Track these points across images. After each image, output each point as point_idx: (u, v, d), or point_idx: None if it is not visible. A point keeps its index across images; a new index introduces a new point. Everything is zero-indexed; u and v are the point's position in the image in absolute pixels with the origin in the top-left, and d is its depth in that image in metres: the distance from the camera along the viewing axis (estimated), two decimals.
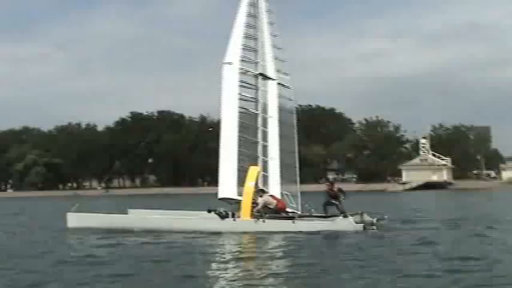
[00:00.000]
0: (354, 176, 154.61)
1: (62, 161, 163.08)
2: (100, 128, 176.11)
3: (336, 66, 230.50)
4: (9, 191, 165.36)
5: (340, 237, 21.79)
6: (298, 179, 27.43)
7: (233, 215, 24.71)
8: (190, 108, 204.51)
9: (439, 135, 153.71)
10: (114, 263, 16.15)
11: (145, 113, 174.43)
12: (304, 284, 12.64)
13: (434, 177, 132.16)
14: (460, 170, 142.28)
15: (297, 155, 27.82)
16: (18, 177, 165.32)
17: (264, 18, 27.52)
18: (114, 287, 12.70)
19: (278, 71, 27.72)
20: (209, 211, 25.21)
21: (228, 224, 24.33)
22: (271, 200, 25.04)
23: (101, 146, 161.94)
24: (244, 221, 24.38)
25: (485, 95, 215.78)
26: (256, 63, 27.18)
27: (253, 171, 25.70)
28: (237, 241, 21.78)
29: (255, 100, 27.01)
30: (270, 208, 24.72)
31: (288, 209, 25.79)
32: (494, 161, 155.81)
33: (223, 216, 24.69)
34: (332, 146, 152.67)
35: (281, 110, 27.64)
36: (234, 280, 13.28)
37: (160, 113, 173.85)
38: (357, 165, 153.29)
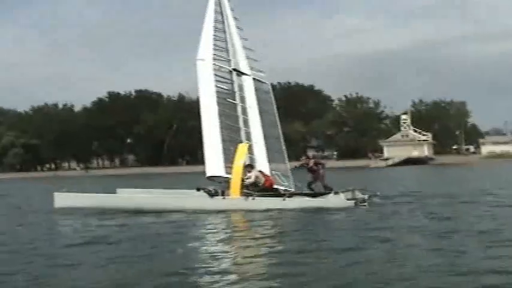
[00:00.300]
0: (334, 153, 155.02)
1: (40, 142, 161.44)
2: (77, 109, 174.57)
3: (314, 43, 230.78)
4: None
5: (331, 214, 21.41)
6: (286, 158, 27.25)
7: (223, 193, 24.35)
8: (167, 87, 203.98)
9: (419, 111, 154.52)
10: (120, 243, 15.84)
11: (123, 93, 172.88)
12: (292, 263, 12.12)
13: (416, 153, 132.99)
14: (440, 146, 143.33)
15: (281, 135, 27.70)
16: None
17: (230, 16, 27.44)
18: (138, 267, 12.18)
19: (252, 68, 27.64)
20: (198, 189, 24.87)
21: (217, 202, 24.00)
22: (261, 176, 24.70)
23: (78, 126, 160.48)
24: (234, 198, 24.06)
25: (461, 70, 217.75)
26: (229, 60, 26.97)
27: (242, 149, 25.32)
28: (226, 219, 21.41)
29: (232, 92, 26.71)
30: (257, 185, 24.38)
31: (280, 187, 25.53)
32: (473, 136, 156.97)
33: (212, 195, 24.34)
34: (312, 124, 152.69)
35: (259, 100, 27.45)
36: (223, 259, 12.90)
37: (138, 92, 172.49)
38: (337, 142, 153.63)
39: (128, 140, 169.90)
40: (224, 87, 26.65)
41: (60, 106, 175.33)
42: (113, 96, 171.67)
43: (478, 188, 31.71)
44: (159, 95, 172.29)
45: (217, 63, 26.65)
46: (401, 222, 18.38)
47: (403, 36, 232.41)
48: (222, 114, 25.92)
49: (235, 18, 27.75)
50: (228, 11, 27.50)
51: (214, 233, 17.66)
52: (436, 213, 20.10)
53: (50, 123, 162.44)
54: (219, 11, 27.30)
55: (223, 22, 27.24)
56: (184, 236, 16.77)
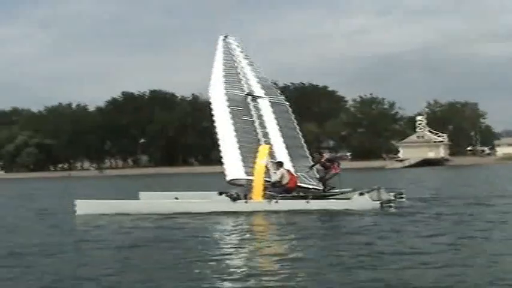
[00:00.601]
0: (348, 153, 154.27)
1: (54, 141, 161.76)
2: (91, 108, 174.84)
3: (322, 43, 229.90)
4: (0, 172, 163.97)
5: (357, 218, 20.72)
6: (309, 158, 26.78)
7: (245, 197, 23.88)
8: (180, 86, 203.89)
9: (434, 112, 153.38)
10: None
11: (137, 93, 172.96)
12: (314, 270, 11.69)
13: (432, 154, 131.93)
14: (455, 147, 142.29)
15: (304, 145, 27.47)
16: (9, 158, 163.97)
17: (240, 56, 27.60)
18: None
19: (268, 93, 27.60)
20: (220, 193, 24.38)
21: (240, 206, 23.54)
22: (286, 175, 24.25)
23: (92, 126, 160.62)
24: (257, 202, 23.59)
25: (471, 71, 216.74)
26: (242, 88, 26.74)
27: (264, 150, 24.86)
28: (248, 223, 20.93)
29: (248, 112, 26.40)
30: (282, 184, 23.96)
31: (309, 186, 25.05)
32: (487, 137, 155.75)
33: (234, 199, 23.89)
34: (325, 124, 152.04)
35: (278, 118, 27.18)
36: (242, 264, 12.59)
37: (152, 92, 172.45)
38: (351, 142, 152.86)
39: (141, 140, 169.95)
40: (240, 109, 26.30)
41: (74, 106, 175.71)
42: (127, 96, 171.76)
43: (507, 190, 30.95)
44: (173, 95, 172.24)
45: (229, 91, 26.30)
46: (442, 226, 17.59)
47: (412, 36, 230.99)
48: (238, 130, 25.57)
49: (246, 56, 27.81)
50: (237, 53, 27.55)
51: (234, 237, 17.22)
52: (475, 216, 19.52)
53: (63, 123, 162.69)
54: (229, 52, 27.37)
55: (233, 60, 27.23)
56: (205, 241, 16.39)
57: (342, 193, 24.02)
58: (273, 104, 27.65)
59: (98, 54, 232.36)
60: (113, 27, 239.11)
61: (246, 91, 26.75)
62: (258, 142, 25.47)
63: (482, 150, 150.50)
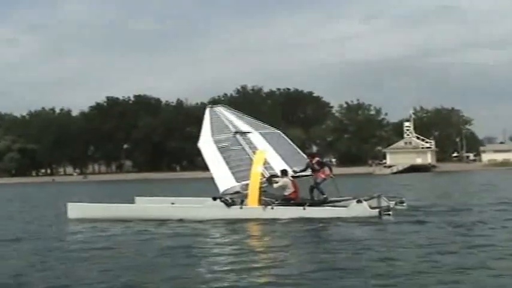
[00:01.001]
0: (333, 159, 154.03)
1: (37, 146, 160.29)
2: (74, 113, 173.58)
3: (309, 49, 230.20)
4: None
5: (353, 226, 19.99)
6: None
7: (242, 202, 23.25)
8: (164, 92, 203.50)
9: (421, 118, 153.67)
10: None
11: (121, 98, 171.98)
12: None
13: (419, 160, 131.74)
14: (441, 153, 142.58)
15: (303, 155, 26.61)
16: None
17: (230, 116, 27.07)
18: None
19: (256, 128, 27.07)
20: (214, 198, 23.76)
21: (234, 212, 22.91)
22: (289, 184, 23.54)
23: (76, 131, 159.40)
24: (252, 208, 22.96)
25: (454, 79, 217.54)
26: (230, 129, 26.07)
27: (261, 155, 24.23)
28: (242, 230, 20.31)
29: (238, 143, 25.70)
30: (284, 194, 23.28)
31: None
32: (471, 143, 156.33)
33: (229, 204, 23.27)
34: (311, 130, 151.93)
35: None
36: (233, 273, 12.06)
37: (137, 97, 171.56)
38: (337, 148, 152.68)
39: (125, 145, 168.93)
40: (228, 143, 25.61)
41: (58, 110, 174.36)
42: (111, 101, 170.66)
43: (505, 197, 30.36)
44: (158, 100, 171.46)
45: (216, 136, 25.55)
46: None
47: (397, 43, 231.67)
48: (227, 154, 24.86)
49: (232, 114, 27.27)
50: (224, 113, 26.92)
51: (224, 244, 16.58)
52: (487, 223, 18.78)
53: (47, 127, 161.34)
54: (216, 115, 26.65)
55: (219, 117, 26.55)
56: (196, 247, 15.86)
57: (341, 201, 23.40)
58: (265, 134, 26.92)
59: (81, 60, 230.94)
60: (97, 32, 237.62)
61: (233, 131, 26.10)
62: (250, 159, 24.69)
63: (468, 157, 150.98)
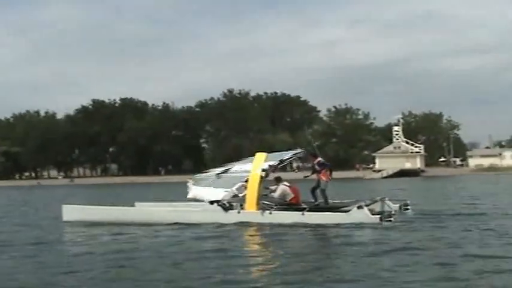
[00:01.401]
0: None
1: (21, 149, 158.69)
2: (60, 116, 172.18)
3: (294, 55, 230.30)
4: None
5: (354, 232, 19.37)
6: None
7: (241, 206, 22.65)
8: (149, 95, 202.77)
9: (409, 123, 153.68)
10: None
11: (108, 101, 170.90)
12: None
13: (408, 165, 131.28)
14: (429, 158, 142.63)
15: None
16: None
17: None
18: None
19: None
20: (211, 202, 23.15)
21: (232, 216, 22.30)
22: (288, 191, 22.92)
23: (61, 134, 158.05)
24: (250, 212, 22.36)
25: (436, 85, 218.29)
26: None
27: (260, 157, 23.62)
28: (239, 235, 19.65)
29: None
30: (285, 200, 22.65)
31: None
32: (457, 148, 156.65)
33: (226, 208, 22.66)
34: (298, 134, 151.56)
35: None
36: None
37: (123, 100, 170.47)
38: (325, 152, 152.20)
39: (111, 149, 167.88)
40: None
41: (42, 113, 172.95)
42: (97, 104, 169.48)
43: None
44: (144, 104, 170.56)
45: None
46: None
47: (383, 48, 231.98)
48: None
49: None
50: None
51: (220, 251, 15.73)
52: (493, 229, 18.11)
53: (31, 130, 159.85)
54: None
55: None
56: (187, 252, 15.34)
57: (342, 205, 22.82)
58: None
59: (67, 63, 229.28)
60: (83, 36, 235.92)
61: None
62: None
63: (454, 161, 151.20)
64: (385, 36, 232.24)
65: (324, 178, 23.23)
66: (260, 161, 23.43)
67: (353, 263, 13.26)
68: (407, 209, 23.73)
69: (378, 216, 21.36)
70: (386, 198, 23.44)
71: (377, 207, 22.43)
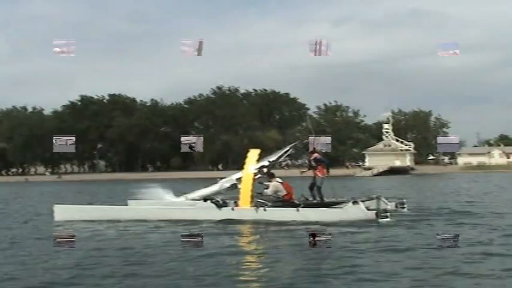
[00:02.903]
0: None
1: (8, 145, 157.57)
2: (47, 112, 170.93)
3: (281, 52, 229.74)
4: None
5: (351, 229, 19.12)
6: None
7: (235, 204, 22.40)
8: (137, 92, 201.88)
9: (398, 121, 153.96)
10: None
11: (96, 97, 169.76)
12: None
13: (398, 163, 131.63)
14: (417, 156, 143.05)
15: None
16: None
17: None
18: None
19: None
20: (205, 200, 22.92)
21: (225, 213, 22.04)
22: (281, 187, 22.67)
23: (48, 130, 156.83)
24: (244, 209, 22.10)
25: (424, 83, 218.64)
26: None
27: (254, 154, 23.37)
28: (233, 233, 19.34)
29: None
30: (278, 197, 22.41)
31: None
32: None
33: (220, 206, 22.41)
34: (287, 131, 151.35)
35: None
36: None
37: (111, 96, 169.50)
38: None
39: (99, 145, 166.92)
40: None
41: (30, 109, 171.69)
42: (86, 100, 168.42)
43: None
44: (133, 100, 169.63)
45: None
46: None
47: (372, 46, 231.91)
48: None
49: None
50: None
51: (214, 248, 15.44)
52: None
53: (18, 126, 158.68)
54: None
55: None
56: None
57: (338, 202, 22.61)
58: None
59: (55, 58, 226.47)
60: (71, 31, 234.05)
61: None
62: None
63: (443, 159, 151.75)
64: (372, 34, 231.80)
65: (319, 174, 22.95)
66: (254, 157, 23.18)
67: (350, 259, 13.18)
68: (404, 208, 23.59)
69: (374, 212, 21.24)
70: (382, 197, 23.26)
71: (372, 204, 22.26)
